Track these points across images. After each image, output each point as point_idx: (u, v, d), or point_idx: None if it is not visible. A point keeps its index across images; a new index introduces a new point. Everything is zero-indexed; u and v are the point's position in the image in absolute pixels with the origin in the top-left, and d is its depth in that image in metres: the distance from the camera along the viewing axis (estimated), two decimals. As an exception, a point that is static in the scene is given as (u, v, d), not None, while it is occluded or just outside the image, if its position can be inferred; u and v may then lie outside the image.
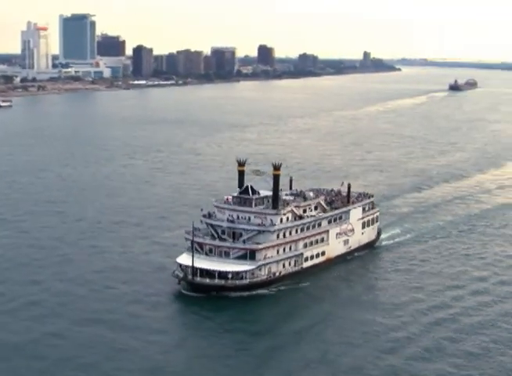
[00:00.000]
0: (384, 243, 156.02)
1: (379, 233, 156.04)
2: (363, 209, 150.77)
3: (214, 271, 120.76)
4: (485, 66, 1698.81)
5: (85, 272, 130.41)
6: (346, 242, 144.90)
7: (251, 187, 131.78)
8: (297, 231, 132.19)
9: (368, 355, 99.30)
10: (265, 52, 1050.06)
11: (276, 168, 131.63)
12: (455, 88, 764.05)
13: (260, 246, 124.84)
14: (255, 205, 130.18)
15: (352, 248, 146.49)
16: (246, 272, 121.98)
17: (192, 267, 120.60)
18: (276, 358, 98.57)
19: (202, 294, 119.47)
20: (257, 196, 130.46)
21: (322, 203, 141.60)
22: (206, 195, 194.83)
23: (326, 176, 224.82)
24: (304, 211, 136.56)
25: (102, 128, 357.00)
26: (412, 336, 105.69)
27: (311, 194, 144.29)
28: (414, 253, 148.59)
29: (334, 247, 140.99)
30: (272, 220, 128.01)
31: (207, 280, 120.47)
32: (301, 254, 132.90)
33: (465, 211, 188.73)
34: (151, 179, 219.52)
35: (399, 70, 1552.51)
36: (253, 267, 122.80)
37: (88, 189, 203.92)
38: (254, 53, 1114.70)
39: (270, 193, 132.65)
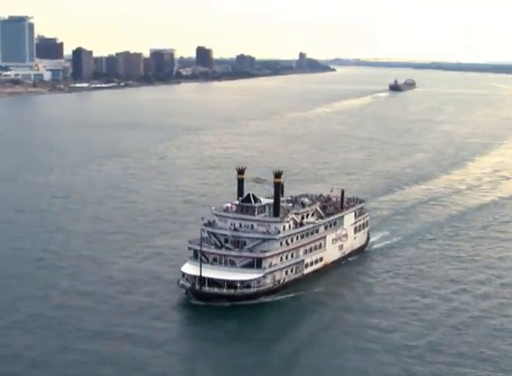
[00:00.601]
0: (373, 247, 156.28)
1: (368, 238, 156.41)
2: (355, 214, 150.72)
3: (222, 280, 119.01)
4: (417, 66, 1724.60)
5: (81, 284, 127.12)
6: (341, 247, 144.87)
7: (253, 195, 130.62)
8: (297, 238, 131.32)
9: (375, 359, 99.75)
10: (203, 53, 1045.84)
11: (277, 175, 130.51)
12: (395, 88, 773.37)
13: (267, 254, 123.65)
14: (258, 213, 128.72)
15: (346, 253, 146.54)
16: (253, 280, 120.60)
17: (201, 277, 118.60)
18: (291, 365, 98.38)
19: (210, 303, 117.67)
20: (259, 204, 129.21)
21: (319, 209, 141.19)
22: (186, 201, 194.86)
23: (299, 180, 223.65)
24: (303, 217, 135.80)
25: (56, 133, 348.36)
26: (416, 338, 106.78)
27: (307, 200, 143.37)
28: (405, 256, 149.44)
29: (331, 252, 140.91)
30: (276, 228, 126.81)
31: (216, 290, 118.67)
32: (302, 260, 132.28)
33: (443, 212, 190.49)
34: (125, 185, 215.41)
35: (334, 70, 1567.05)
36: (260, 275, 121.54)
37: (62, 197, 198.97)
38: (192, 55, 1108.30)
39: (271, 201, 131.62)
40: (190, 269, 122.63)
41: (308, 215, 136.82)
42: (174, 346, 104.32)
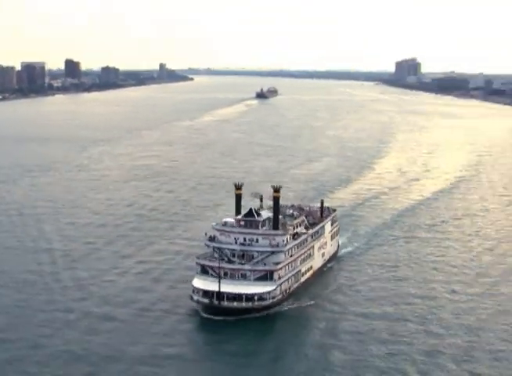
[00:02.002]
0: (342, 252, 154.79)
1: (338, 244, 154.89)
2: (331, 223, 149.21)
3: (241, 294, 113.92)
4: (266, 74, 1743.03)
5: (82, 307, 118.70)
6: (323, 255, 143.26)
7: (255, 210, 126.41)
8: (296, 249, 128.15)
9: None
10: (72, 65, 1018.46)
11: (276, 190, 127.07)
12: (261, 95, 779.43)
13: (278, 266, 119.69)
14: (261, 227, 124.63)
15: (326, 260, 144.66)
16: (269, 292, 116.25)
17: (219, 292, 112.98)
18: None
19: (227, 318, 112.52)
20: (263, 218, 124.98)
21: (305, 220, 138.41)
22: (139, 215, 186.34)
23: (228, 188, 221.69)
24: (294, 228, 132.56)
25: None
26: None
27: (296, 213, 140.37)
28: (377, 260, 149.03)
29: (317, 260, 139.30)
30: (283, 240, 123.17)
31: (235, 304, 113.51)
32: (300, 270, 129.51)
33: (386, 213, 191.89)
34: (74, 199, 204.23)
35: (192, 79, 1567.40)
36: (273, 287, 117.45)
37: (16, 214, 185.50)
38: (61, 67, 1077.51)
39: (269, 215, 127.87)
40: (203, 284, 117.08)
41: (298, 226, 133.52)
42: (194, 364, 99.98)
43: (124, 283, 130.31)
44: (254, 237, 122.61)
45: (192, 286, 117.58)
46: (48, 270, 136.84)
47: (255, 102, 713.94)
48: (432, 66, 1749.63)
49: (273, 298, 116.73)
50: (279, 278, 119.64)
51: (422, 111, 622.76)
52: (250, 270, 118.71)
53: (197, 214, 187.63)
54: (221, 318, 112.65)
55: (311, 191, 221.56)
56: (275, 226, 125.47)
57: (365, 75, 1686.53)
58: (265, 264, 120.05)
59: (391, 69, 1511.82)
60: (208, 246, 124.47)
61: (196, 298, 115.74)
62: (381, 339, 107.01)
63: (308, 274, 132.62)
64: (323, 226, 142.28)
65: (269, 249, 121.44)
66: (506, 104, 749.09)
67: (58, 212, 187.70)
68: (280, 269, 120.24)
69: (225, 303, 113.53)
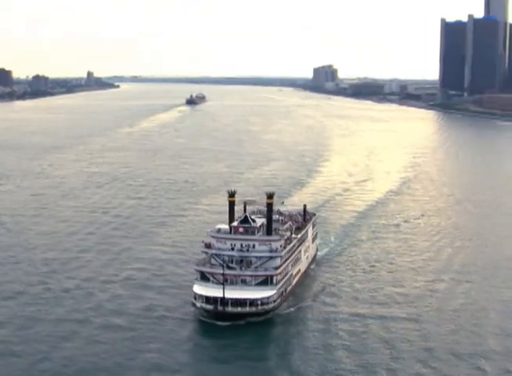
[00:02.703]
0: (319, 254, 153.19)
1: (317, 248, 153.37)
2: (312, 226, 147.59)
3: (245, 299, 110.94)
4: (191, 81, 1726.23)
5: (78, 316, 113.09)
6: (307, 258, 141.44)
7: (249, 216, 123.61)
8: (288, 253, 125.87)
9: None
10: (3, 74, 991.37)
11: (270, 196, 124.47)
12: (191, 102, 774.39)
13: (277, 271, 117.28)
14: (257, 233, 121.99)
15: (309, 263, 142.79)
16: (271, 296, 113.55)
17: (223, 297, 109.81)
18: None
19: (230, 323, 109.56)
20: (258, 224, 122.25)
21: (291, 225, 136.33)
22: (114, 220, 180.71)
23: (192, 192, 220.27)
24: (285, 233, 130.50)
25: None
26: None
27: (277, 216, 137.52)
28: (353, 260, 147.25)
29: (303, 263, 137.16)
30: (281, 245, 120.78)
31: (239, 309, 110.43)
32: (292, 273, 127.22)
33: (346, 215, 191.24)
34: (38, 207, 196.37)
35: (118, 86, 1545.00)
36: (274, 291, 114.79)
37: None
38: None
39: (262, 220, 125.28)
40: (206, 290, 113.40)
41: (287, 231, 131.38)
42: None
43: (113, 291, 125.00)
44: (251, 243, 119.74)
45: (194, 293, 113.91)
46: (33, 280, 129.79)
47: (186, 108, 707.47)
48: (347, 72, 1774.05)
49: (274, 301, 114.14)
50: (278, 282, 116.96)
51: (348, 115, 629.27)
52: (251, 276, 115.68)
53: (167, 219, 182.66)
54: (227, 323, 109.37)
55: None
56: (269, 232, 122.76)
57: (284, 81, 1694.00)
58: (265, 269, 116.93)
59: (309, 75, 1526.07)
60: (206, 253, 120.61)
61: (199, 304, 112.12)
62: (383, 338, 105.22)
63: (297, 277, 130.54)
64: (307, 230, 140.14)
65: (268, 254, 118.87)
66: (421, 108, 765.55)
67: (22, 222, 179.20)
68: (279, 273, 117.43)
69: (230, 309, 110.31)
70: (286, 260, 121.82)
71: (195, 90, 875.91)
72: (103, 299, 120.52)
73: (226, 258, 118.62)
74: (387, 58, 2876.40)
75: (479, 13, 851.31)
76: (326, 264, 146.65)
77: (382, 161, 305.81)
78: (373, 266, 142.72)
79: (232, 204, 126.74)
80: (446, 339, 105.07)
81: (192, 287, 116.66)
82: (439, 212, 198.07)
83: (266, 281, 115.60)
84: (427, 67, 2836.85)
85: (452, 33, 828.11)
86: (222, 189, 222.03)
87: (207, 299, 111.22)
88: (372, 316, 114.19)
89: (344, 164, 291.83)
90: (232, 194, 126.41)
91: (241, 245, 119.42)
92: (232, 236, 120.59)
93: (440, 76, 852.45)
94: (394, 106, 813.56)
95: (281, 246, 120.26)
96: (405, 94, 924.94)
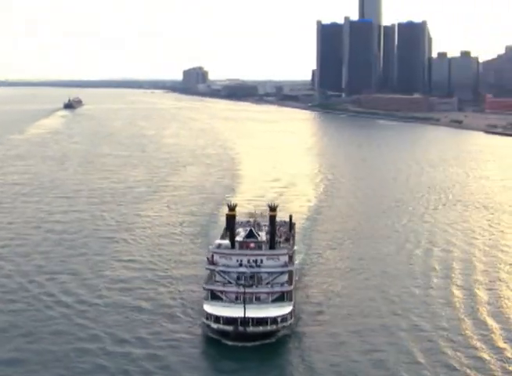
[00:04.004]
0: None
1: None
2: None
3: (266, 318, 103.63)
4: (63, 84, 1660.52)
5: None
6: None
7: (254, 230, 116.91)
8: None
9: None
10: None
11: (272, 209, 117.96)
12: (70, 106, 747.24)
13: (291, 286, 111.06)
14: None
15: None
16: (290, 313, 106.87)
17: (244, 317, 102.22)
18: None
19: (253, 344, 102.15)
20: (264, 239, 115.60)
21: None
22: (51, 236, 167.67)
23: (127, 201, 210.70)
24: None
25: None
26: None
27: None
28: (332, 268, 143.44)
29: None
30: (289, 259, 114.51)
31: (261, 328, 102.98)
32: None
33: (299, 220, 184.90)
34: None
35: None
36: (291, 308, 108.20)
37: None
38: None
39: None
40: (220, 310, 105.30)
41: (285, 243, 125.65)
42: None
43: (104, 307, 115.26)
44: (259, 258, 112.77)
45: (208, 313, 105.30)
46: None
47: (67, 113, 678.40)
48: (217, 73, 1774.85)
49: (291, 318, 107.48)
50: (292, 298, 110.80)
51: (233, 117, 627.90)
52: (267, 293, 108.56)
53: (118, 233, 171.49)
54: (248, 344, 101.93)
55: (207, 201, 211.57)
56: (272, 246, 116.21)
57: (154, 83, 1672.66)
58: (281, 285, 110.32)
59: (177, 77, 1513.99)
60: (212, 270, 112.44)
61: (215, 326, 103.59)
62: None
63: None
64: (294, 240, 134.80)
65: (280, 270, 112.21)
66: (301, 108, 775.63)
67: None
68: (293, 288, 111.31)
69: (251, 328, 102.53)
70: (292, 273, 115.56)
71: (70, 94, 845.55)
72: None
73: (234, 275, 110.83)
74: (259, 59, 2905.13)
75: (354, 16, 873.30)
76: (309, 272, 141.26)
77: (296, 163, 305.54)
78: (354, 272, 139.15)
79: (232, 219, 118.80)
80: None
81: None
82: (388, 213, 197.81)
83: (282, 297, 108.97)
84: (300, 68, 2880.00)
85: (328, 35, 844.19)
86: (156, 197, 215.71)
87: (226, 320, 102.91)
88: (377, 328, 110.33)
89: (263, 168, 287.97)
90: (232, 208, 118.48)
91: (248, 260, 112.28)
92: (239, 251, 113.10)
93: (317, 77, 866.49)
94: (273, 108, 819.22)
95: (287, 260, 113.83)
96: (282, 95, 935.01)
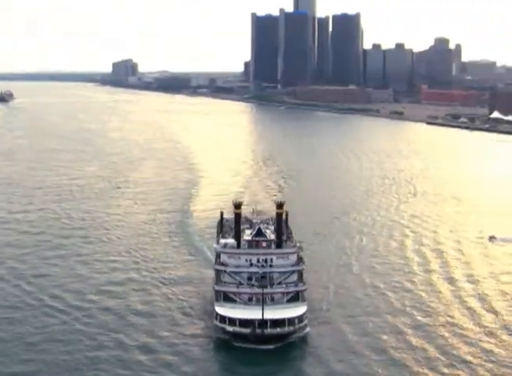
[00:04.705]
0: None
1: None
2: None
3: (284, 319, 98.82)
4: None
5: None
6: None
7: (263, 229, 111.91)
8: None
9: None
10: None
11: (279, 206, 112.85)
12: (3, 99, 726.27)
13: (306, 286, 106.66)
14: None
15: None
16: (305, 314, 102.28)
17: (262, 319, 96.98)
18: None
19: (269, 346, 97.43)
20: (273, 237, 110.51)
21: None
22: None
23: (91, 197, 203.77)
24: None
25: None
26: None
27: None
28: (319, 269, 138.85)
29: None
30: (298, 258, 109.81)
31: (278, 330, 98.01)
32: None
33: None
34: None
35: None
36: (306, 307, 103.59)
37: None
38: None
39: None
40: (236, 312, 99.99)
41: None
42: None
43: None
44: (269, 257, 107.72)
45: (220, 315, 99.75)
46: None
47: (1, 107, 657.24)
48: (147, 66, 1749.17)
49: (306, 318, 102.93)
50: (305, 298, 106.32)
51: (172, 110, 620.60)
52: (282, 293, 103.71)
53: (89, 231, 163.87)
54: (269, 347, 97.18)
55: (174, 197, 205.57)
56: (279, 244, 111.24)
57: (82, 76, 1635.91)
58: (296, 285, 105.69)
59: (106, 69, 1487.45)
60: (221, 270, 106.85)
61: (231, 328, 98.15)
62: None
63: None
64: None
65: (290, 269, 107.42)
66: (237, 100, 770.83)
67: None
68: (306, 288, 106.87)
69: (269, 330, 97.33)
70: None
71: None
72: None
73: (245, 276, 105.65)
74: (189, 51, 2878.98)
75: (289, 7, 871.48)
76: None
77: (249, 155, 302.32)
78: (341, 268, 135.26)
79: (238, 217, 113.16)
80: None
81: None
82: (352, 214, 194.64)
83: (296, 297, 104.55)
84: (232, 60, 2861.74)
85: (263, 26, 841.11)
86: (119, 193, 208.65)
87: (243, 322, 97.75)
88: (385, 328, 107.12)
89: (218, 163, 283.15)
90: (238, 205, 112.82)
91: (258, 260, 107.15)
92: (249, 250, 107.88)
93: (252, 69, 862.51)
94: (208, 100, 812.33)
95: (297, 259, 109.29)
96: (216, 87, 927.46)
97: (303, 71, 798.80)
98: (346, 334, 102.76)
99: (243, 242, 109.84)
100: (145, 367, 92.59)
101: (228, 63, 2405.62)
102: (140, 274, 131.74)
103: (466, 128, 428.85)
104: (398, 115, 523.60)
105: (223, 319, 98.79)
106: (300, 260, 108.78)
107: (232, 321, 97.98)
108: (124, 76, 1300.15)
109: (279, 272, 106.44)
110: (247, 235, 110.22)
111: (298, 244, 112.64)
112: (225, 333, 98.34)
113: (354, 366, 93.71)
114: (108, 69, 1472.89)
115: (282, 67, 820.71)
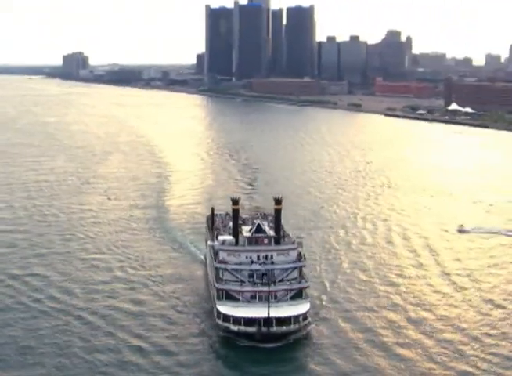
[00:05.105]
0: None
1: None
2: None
3: (289, 317, 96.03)
4: None
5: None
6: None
7: (262, 225, 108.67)
8: None
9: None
10: None
11: (278, 202, 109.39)
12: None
13: (308, 283, 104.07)
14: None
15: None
16: (308, 311, 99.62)
17: (268, 317, 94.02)
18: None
19: (274, 344, 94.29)
20: (272, 233, 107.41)
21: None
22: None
23: (61, 194, 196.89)
24: None
25: None
26: None
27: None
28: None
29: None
30: (298, 254, 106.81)
31: (284, 328, 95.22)
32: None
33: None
34: None
35: None
36: (309, 304, 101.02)
37: None
38: None
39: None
40: (240, 311, 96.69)
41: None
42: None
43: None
44: (269, 254, 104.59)
45: (225, 315, 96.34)
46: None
47: None
48: (98, 58, 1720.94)
49: (310, 316, 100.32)
50: (308, 294, 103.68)
51: (128, 103, 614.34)
52: (286, 290, 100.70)
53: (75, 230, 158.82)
54: (272, 345, 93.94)
55: (147, 192, 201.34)
56: (278, 241, 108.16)
57: (30, 69, 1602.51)
58: (299, 281, 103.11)
59: (56, 62, 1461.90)
60: (222, 269, 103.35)
61: (235, 328, 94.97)
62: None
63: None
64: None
65: (292, 265, 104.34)
66: (192, 93, 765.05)
67: None
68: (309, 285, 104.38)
69: (274, 329, 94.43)
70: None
71: None
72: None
73: (246, 273, 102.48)
74: (140, 44, 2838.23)
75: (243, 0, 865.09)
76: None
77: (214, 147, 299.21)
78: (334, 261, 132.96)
79: (236, 213, 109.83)
80: None
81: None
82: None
83: (299, 295, 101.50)
84: (184, 53, 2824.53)
85: (217, 19, 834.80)
86: (91, 188, 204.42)
87: (248, 321, 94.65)
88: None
89: (179, 153, 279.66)
90: (235, 201, 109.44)
91: (258, 257, 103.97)
92: (249, 247, 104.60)
93: (207, 61, 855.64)
94: (163, 93, 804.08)
95: (301, 255, 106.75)
96: (169, 80, 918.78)
97: (258, 64, 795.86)
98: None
99: (242, 239, 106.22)
100: (145, 369, 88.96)
101: (179, 55, 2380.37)
102: (126, 272, 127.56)
103: (425, 119, 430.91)
104: (356, 107, 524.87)
105: (226, 318, 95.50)
106: (300, 256, 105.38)
107: (236, 320, 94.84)
108: (74, 69, 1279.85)
109: (281, 269, 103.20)
110: (246, 231, 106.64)
111: (298, 240, 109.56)
112: (229, 332, 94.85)
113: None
114: (58, 62, 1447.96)
115: (236, 60, 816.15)
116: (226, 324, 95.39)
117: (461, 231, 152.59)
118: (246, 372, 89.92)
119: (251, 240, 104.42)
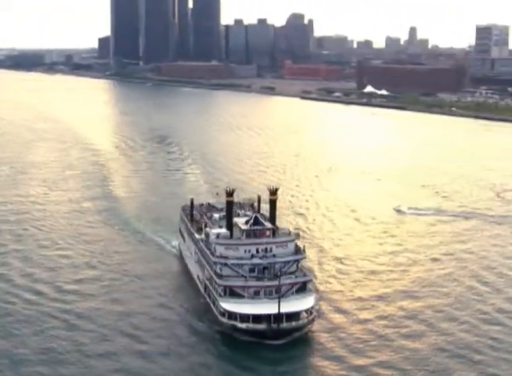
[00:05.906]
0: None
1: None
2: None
3: (298, 311, 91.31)
4: None
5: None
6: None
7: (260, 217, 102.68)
8: None
9: None
10: None
11: (273, 192, 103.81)
12: None
13: (311, 276, 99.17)
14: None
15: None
16: (315, 305, 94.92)
17: (279, 313, 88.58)
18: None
19: (283, 340, 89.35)
20: (272, 225, 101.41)
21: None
22: None
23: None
24: None
25: None
26: None
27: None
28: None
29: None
30: (297, 246, 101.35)
31: (293, 323, 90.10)
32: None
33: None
34: None
35: None
36: (314, 298, 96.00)
37: None
38: None
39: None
40: (247, 308, 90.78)
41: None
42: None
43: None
44: (268, 247, 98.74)
45: (231, 312, 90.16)
46: None
47: None
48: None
49: (316, 310, 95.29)
50: (312, 288, 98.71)
51: (35, 88, 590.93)
52: (291, 284, 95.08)
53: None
54: (281, 342, 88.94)
55: (90, 182, 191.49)
56: (274, 233, 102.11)
57: None
58: (305, 274, 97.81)
59: None
60: (222, 264, 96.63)
61: (243, 325, 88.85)
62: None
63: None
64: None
65: (292, 258, 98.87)
66: (98, 78, 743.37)
67: None
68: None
69: (284, 325, 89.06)
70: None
71: None
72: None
73: (247, 268, 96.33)
74: (42, 27, 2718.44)
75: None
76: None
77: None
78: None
79: (230, 205, 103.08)
80: None
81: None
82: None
83: (303, 288, 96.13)
84: (85, 36, 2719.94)
85: (122, 2, 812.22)
86: (26, 178, 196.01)
87: (258, 318, 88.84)
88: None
89: (106, 139, 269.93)
90: (230, 193, 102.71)
91: (256, 250, 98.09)
92: (247, 240, 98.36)
93: (112, 45, 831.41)
94: (68, 77, 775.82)
95: (300, 247, 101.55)
96: (74, 64, 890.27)
97: (165, 48, 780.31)
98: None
99: (238, 231, 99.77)
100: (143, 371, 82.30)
101: (80, 39, 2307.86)
102: (98, 270, 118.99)
103: (342, 102, 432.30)
104: (270, 90, 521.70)
105: (232, 315, 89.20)
106: (298, 248, 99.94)
107: (244, 317, 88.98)
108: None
109: (282, 262, 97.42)
110: (242, 224, 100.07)
111: (296, 232, 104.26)
112: (237, 330, 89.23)
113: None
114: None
115: (143, 44, 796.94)
116: (232, 322, 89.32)
117: (399, 211, 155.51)
118: (254, 370, 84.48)
119: (249, 233, 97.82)
